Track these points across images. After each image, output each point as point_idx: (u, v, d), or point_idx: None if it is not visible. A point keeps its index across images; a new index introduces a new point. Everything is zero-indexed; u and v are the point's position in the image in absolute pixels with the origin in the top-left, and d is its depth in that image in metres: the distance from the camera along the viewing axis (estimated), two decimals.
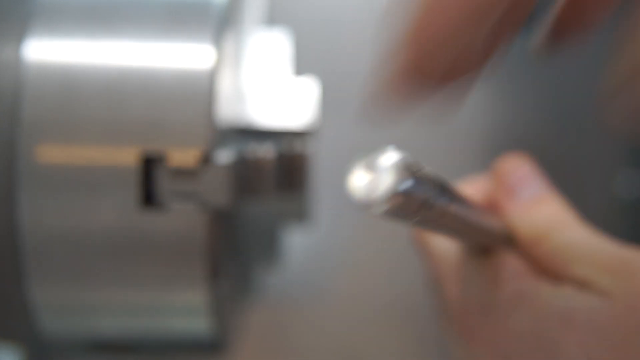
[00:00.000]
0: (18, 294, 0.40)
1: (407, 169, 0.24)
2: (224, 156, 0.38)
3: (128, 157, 0.38)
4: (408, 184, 0.24)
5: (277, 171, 0.43)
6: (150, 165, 0.38)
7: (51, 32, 0.39)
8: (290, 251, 0.67)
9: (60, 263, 0.39)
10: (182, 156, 0.37)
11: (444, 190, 0.28)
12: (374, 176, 0.24)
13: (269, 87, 0.48)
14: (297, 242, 0.70)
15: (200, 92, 0.38)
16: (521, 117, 0.71)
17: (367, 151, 0.25)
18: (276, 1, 0.66)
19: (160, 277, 0.39)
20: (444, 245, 0.36)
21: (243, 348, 0.68)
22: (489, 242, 0.34)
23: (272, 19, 0.62)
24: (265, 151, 0.41)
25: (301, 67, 0.57)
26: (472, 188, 0.39)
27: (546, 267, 0.34)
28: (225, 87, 0.42)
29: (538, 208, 0.35)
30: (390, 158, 0.24)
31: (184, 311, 0.41)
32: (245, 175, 0.41)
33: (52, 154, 0.38)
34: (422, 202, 0.26)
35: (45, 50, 0.39)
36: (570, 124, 0.71)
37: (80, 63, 0.38)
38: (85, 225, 0.38)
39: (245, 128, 0.47)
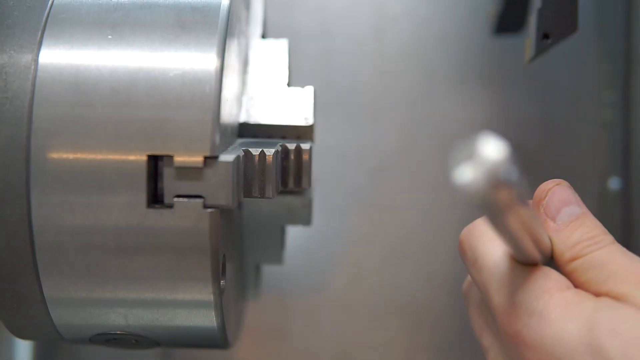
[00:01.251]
0: (34, 289, 0.41)
1: (509, 164, 0.26)
2: (228, 157, 0.39)
3: (136, 157, 0.39)
4: (507, 177, 0.26)
5: (279, 171, 0.44)
6: (157, 166, 0.39)
7: (64, 41, 0.40)
8: (290, 251, 0.67)
9: (71, 259, 0.40)
10: (188, 157, 0.38)
11: (523, 180, 0.30)
12: (480, 165, 0.26)
13: (269, 92, 0.48)
14: (297, 241, 0.71)
15: (205, 95, 0.39)
16: (518, 121, 0.71)
17: (461, 141, 0.26)
18: (275, 14, 0.67)
19: (166, 273, 0.40)
20: (493, 254, 0.39)
21: (243, 346, 0.69)
22: (537, 256, 0.36)
23: (271, 29, 0.63)
24: (268, 152, 0.42)
25: (297, 74, 0.58)
26: None
27: (583, 283, 0.37)
28: (228, 92, 0.42)
29: (575, 227, 0.38)
30: (495, 150, 0.26)
31: (190, 306, 0.41)
32: (249, 175, 0.42)
33: (63, 154, 0.39)
34: (513, 195, 0.27)
35: (58, 57, 0.40)
36: (568, 124, 0.71)
37: (91, 69, 0.39)
38: (94, 223, 0.39)
39: (248, 129, 0.47)
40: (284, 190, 0.45)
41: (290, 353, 0.70)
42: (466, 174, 0.26)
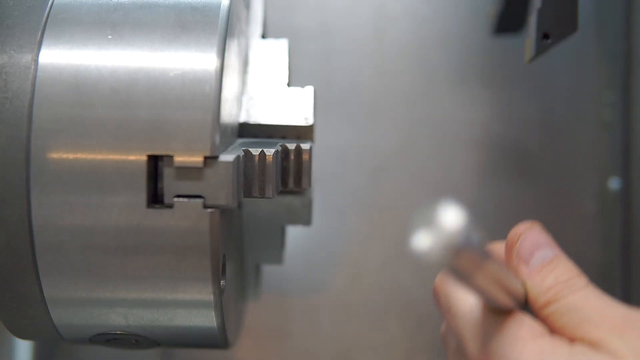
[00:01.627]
0: (34, 289, 0.41)
1: (467, 231, 0.26)
2: (228, 157, 0.39)
3: (136, 157, 0.39)
4: (466, 244, 0.26)
5: (279, 171, 0.44)
6: (157, 166, 0.39)
7: (64, 41, 0.40)
8: (290, 251, 0.67)
9: (71, 259, 0.40)
10: (188, 157, 0.38)
11: (488, 250, 0.30)
12: (438, 233, 0.26)
13: (269, 92, 0.48)
14: (297, 241, 0.71)
15: (205, 95, 0.39)
16: (518, 121, 0.71)
17: (425, 205, 0.27)
18: (275, 14, 0.67)
19: (167, 273, 0.40)
20: (467, 301, 0.38)
21: (243, 346, 0.69)
22: (509, 303, 0.36)
23: (271, 29, 0.63)
24: (268, 152, 0.42)
25: (297, 74, 0.58)
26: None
27: (558, 328, 0.36)
28: (228, 92, 0.42)
29: (548, 271, 0.38)
30: (453, 218, 0.26)
31: (190, 306, 0.41)
32: (249, 175, 0.42)
33: (63, 154, 0.39)
34: (474, 260, 0.28)
35: (58, 57, 0.40)
36: (568, 124, 0.71)
37: (91, 69, 0.39)
38: (94, 223, 0.39)
39: (248, 129, 0.47)
40: (284, 190, 0.45)
41: (290, 353, 0.70)
42: (425, 241, 0.26)
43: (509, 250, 0.39)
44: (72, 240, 0.39)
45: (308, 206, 0.52)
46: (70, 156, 0.39)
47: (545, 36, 0.51)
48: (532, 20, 0.51)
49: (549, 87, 0.71)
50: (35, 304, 0.41)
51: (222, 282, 0.41)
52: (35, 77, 0.39)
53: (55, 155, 0.39)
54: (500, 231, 0.70)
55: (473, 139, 0.71)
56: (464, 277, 0.30)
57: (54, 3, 0.41)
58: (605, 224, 0.71)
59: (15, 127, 0.39)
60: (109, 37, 0.40)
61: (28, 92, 0.39)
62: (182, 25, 0.40)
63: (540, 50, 0.51)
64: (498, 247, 0.41)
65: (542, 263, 0.38)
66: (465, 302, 0.38)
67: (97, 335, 0.44)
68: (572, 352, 0.34)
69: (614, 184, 0.70)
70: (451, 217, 0.26)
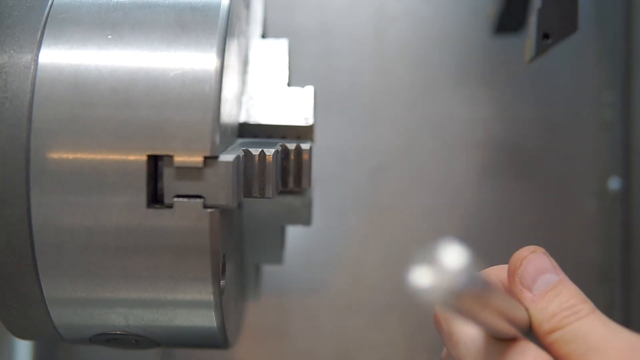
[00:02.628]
0: (34, 289, 0.40)
1: (468, 271, 0.26)
2: (228, 157, 0.39)
3: (136, 157, 0.38)
4: (467, 284, 0.26)
5: (279, 171, 0.44)
6: (157, 166, 0.39)
7: (64, 41, 0.40)
8: (290, 251, 0.67)
9: (71, 259, 0.40)
10: (188, 157, 0.38)
11: (488, 284, 0.30)
12: (440, 275, 0.25)
13: (269, 92, 0.48)
14: (297, 241, 0.71)
15: (205, 95, 0.39)
16: (518, 121, 0.71)
17: (427, 245, 0.26)
18: (275, 13, 0.67)
19: (166, 273, 0.40)
20: (469, 329, 0.37)
21: (243, 346, 0.69)
22: (512, 331, 0.36)
23: (271, 29, 0.63)
24: (268, 152, 0.42)
25: (297, 74, 0.58)
26: (491, 278, 0.41)
27: (564, 355, 0.35)
28: (228, 92, 0.42)
29: (552, 297, 0.37)
30: (454, 260, 0.26)
31: (190, 306, 0.41)
32: (249, 175, 0.42)
33: (63, 154, 0.39)
34: (476, 298, 0.27)
35: (58, 57, 0.40)
36: (568, 124, 0.71)
37: (91, 69, 0.39)
38: (94, 223, 0.39)
39: (248, 129, 0.47)
40: (284, 190, 0.45)
41: (290, 353, 0.70)
42: (426, 281, 0.26)
43: (511, 275, 0.38)
44: (72, 240, 0.39)
45: (308, 206, 0.52)
46: (70, 156, 0.39)
47: (546, 36, 0.50)
48: (532, 20, 0.51)
49: (549, 87, 0.71)
50: (35, 304, 0.41)
51: (222, 282, 0.41)
52: (35, 77, 0.39)
53: (55, 155, 0.39)
54: (501, 231, 0.70)
55: (473, 139, 0.71)
56: (467, 315, 0.29)
57: (54, 3, 0.41)
58: (605, 224, 0.70)
59: (15, 127, 0.39)
60: (109, 37, 0.40)
61: (28, 92, 0.39)
62: (182, 25, 0.40)
63: (540, 50, 0.51)
64: (499, 271, 0.40)
65: (546, 288, 0.37)
66: (467, 329, 0.37)
67: (97, 336, 0.44)
68: None
69: (613, 184, 0.70)
70: (453, 257, 0.26)
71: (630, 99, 0.69)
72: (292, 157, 0.44)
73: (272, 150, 0.42)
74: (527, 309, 0.37)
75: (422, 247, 0.26)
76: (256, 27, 0.53)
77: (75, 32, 0.40)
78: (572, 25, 0.50)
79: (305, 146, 0.44)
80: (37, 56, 0.40)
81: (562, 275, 0.38)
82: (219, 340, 0.44)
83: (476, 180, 0.71)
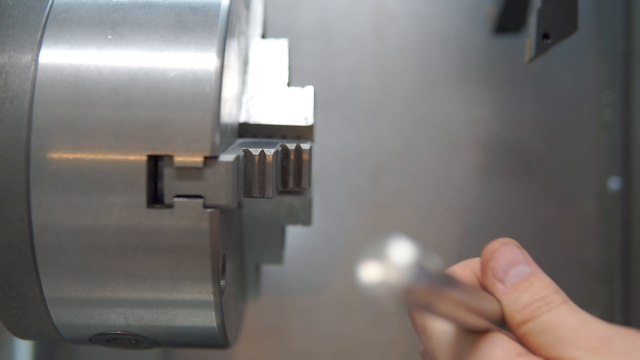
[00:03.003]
0: (34, 289, 0.41)
1: (419, 265, 0.25)
2: (228, 157, 0.39)
3: (136, 157, 0.38)
4: (419, 279, 0.25)
5: (279, 171, 0.44)
6: (157, 166, 0.39)
7: (64, 41, 0.40)
8: (290, 251, 0.67)
9: (71, 259, 0.40)
10: (188, 157, 0.38)
11: (448, 279, 0.29)
12: (387, 271, 0.25)
13: (269, 92, 0.48)
14: (297, 241, 0.71)
15: (205, 95, 0.39)
16: (519, 120, 0.71)
17: (376, 240, 0.25)
18: (275, 13, 0.67)
19: (167, 273, 0.40)
20: (440, 323, 0.37)
21: (243, 346, 0.69)
22: (484, 324, 0.35)
23: (271, 29, 0.63)
24: (268, 152, 0.42)
25: (297, 74, 0.58)
26: (464, 270, 0.41)
27: (536, 347, 0.35)
28: (228, 92, 0.42)
29: (524, 288, 0.37)
30: (402, 255, 0.25)
31: (190, 306, 0.41)
32: (249, 175, 0.42)
33: (63, 154, 0.39)
34: (431, 293, 0.27)
35: (58, 57, 0.40)
36: (568, 124, 0.71)
37: (91, 69, 0.39)
38: (94, 223, 0.39)
39: (248, 129, 0.47)
40: (284, 190, 0.45)
41: (290, 353, 0.70)
42: (375, 277, 0.25)
43: (483, 268, 0.38)
44: (72, 240, 0.39)
45: (308, 206, 0.52)
46: (70, 156, 0.39)
47: (546, 36, 0.50)
48: (533, 20, 0.51)
49: (549, 87, 0.71)
50: (35, 304, 0.41)
51: (222, 282, 0.41)
52: (35, 77, 0.39)
53: (55, 155, 0.39)
54: (500, 231, 0.70)
55: (473, 139, 0.71)
56: (424, 309, 0.29)
57: (54, 3, 0.41)
58: (605, 224, 0.70)
59: (15, 127, 0.39)
60: (109, 37, 0.40)
61: (28, 92, 0.39)
62: (182, 25, 0.40)
63: (540, 50, 0.51)
64: (474, 264, 0.40)
65: (518, 280, 0.37)
66: (440, 323, 0.37)
67: (97, 335, 0.44)
68: None
69: (613, 184, 0.70)
70: (400, 253, 0.25)
71: (630, 99, 0.69)
72: (292, 157, 0.44)
73: (272, 150, 0.42)
74: (499, 302, 0.37)
75: (371, 243, 0.25)
76: (256, 27, 0.53)
77: (76, 32, 0.40)
78: (572, 25, 0.50)
79: (305, 146, 0.44)
80: (37, 56, 0.39)
81: (535, 267, 0.38)
82: (218, 340, 0.44)
83: (476, 180, 0.71)
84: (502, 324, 0.37)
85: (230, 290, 0.45)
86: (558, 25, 0.50)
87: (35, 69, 0.39)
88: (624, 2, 0.70)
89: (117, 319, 0.42)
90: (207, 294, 0.40)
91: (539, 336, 0.35)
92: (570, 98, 0.71)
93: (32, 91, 0.39)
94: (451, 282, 0.30)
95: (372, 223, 0.70)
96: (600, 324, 0.35)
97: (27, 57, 0.40)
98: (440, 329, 0.37)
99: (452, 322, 0.34)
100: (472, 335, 0.36)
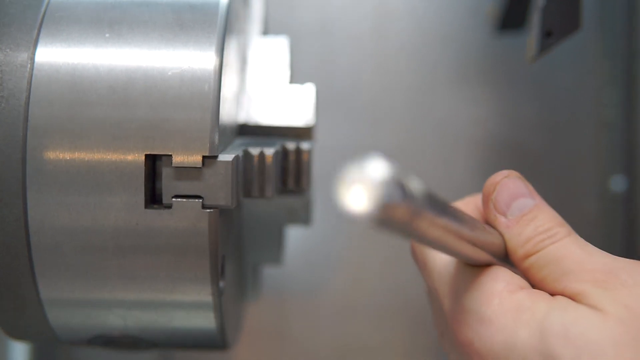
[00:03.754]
0: (25, 290, 0.40)
1: (395, 181, 0.24)
2: (227, 157, 0.39)
3: (134, 157, 0.38)
4: (397, 196, 0.24)
5: (279, 171, 0.44)
6: (155, 165, 0.39)
7: (61, 39, 0.40)
8: (290, 251, 0.67)
9: (68, 260, 0.39)
10: (187, 156, 0.38)
11: (435, 201, 0.28)
12: (362, 188, 0.24)
13: (269, 91, 0.48)
14: (297, 241, 0.70)
15: (204, 94, 0.38)
16: (520, 120, 0.71)
17: (355, 159, 0.25)
18: (275, 11, 0.66)
19: (165, 274, 0.40)
20: (441, 257, 0.37)
21: (242, 347, 0.69)
22: (484, 257, 0.34)
23: (271, 27, 0.63)
24: (267, 152, 0.41)
25: (297, 72, 0.57)
26: (467, 207, 0.40)
27: (539, 280, 0.35)
28: (228, 91, 0.42)
29: (527, 221, 0.36)
30: (377, 170, 0.24)
31: (189, 307, 0.41)
32: (248, 175, 0.42)
33: (60, 154, 0.38)
34: (412, 212, 0.25)
35: (55, 56, 0.39)
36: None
37: (88, 68, 0.39)
38: (92, 224, 0.39)
39: (248, 129, 0.47)
40: (283, 190, 0.45)
41: (290, 354, 0.70)
42: (351, 198, 0.24)
43: (485, 201, 0.37)
44: (69, 241, 0.39)
45: (308, 206, 0.51)
46: (67, 156, 0.38)
47: (548, 34, 0.50)
48: (535, 18, 0.51)
49: (551, 85, 0.70)
50: (32, 306, 0.41)
51: (221, 283, 0.41)
52: (31, 75, 0.39)
53: (52, 154, 0.38)
54: None
55: (474, 138, 0.70)
56: (406, 231, 0.27)
57: (51, 1, 0.41)
58: (607, 225, 0.70)
59: (11, 126, 0.38)
60: (107, 35, 0.40)
61: (24, 91, 0.39)
62: (181, 24, 0.40)
63: (543, 48, 0.50)
64: (477, 200, 0.39)
65: (521, 213, 0.36)
66: (440, 256, 0.36)
67: (95, 337, 0.44)
68: (550, 307, 0.33)
69: (616, 184, 0.70)
70: (377, 170, 0.24)
71: (633, 98, 0.69)
72: (292, 157, 0.44)
73: (272, 150, 0.41)
74: (502, 235, 0.36)
75: (346, 165, 0.24)
76: (256, 25, 0.52)
77: (73, 31, 0.40)
78: (575, 23, 0.50)
79: (305, 146, 0.44)
80: (34, 55, 0.39)
81: (538, 199, 0.37)
82: (218, 341, 0.44)
83: (477, 179, 0.70)
84: (506, 258, 0.36)
85: (229, 291, 0.45)
86: (561, 23, 0.50)
87: (32, 68, 0.39)
88: (626, 0, 0.70)
89: (115, 320, 0.42)
90: (206, 295, 0.40)
91: (543, 269, 0.34)
92: (572, 97, 0.70)
93: (29, 90, 0.39)
94: (440, 206, 0.28)
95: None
96: (606, 256, 0.34)
97: (24, 56, 0.39)
98: (441, 263, 0.36)
99: (447, 252, 0.33)
100: (473, 269, 0.35)
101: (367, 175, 0.24)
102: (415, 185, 0.26)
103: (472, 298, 0.34)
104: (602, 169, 0.70)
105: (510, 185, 0.37)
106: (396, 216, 0.25)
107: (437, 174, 0.70)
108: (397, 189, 0.24)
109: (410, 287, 0.69)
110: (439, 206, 0.29)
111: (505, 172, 0.38)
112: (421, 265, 0.38)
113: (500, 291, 0.34)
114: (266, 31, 0.56)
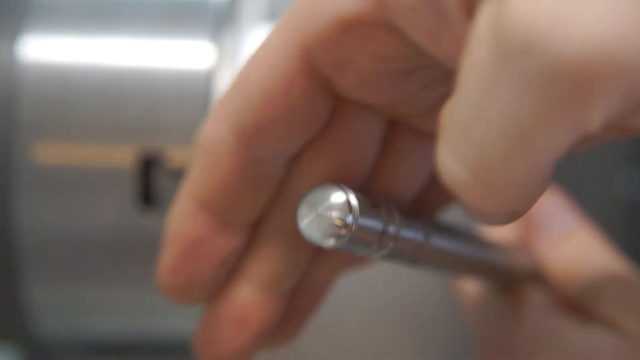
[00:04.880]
0: (14, 294, 0.40)
1: (348, 208, 0.24)
2: None
3: (126, 156, 0.38)
4: (349, 220, 0.24)
5: None
6: (148, 165, 0.38)
7: (47, 30, 0.39)
8: None
9: (58, 263, 0.39)
10: (181, 155, 0.37)
11: (423, 224, 0.27)
12: (318, 214, 0.24)
13: None
14: None
15: (198, 90, 0.38)
16: None
17: (313, 189, 0.25)
18: (275, 3, 0.66)
19: None
20: (472, 287, 0.36)
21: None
22: (509, 279, 0.33)
23: (273, 15, 0.62)
24: None
25: None
26: (504, 228, 0.39)
27: (577, 306, 0.33)
28: (224, 85, 0.42)
29: (569, 243, 0.35)
30: (332, 197, 0.24)
31: (183, 311, 0.40)
32: None
33: (49, 153, 0.38)
34: (378, 236, 0.25)
35: (42, 49, 0.38)
36: None
37: (77, 61, 0.38)
38: (83, 225, 0.38)
39: None
40: None
41: (290, 354, 0.69)
42: (313, 229, 0.24)
43: (524, 220, 0.36)
44: (59, 243, 0.38)
45: None
46: (57, 155, 0.38)
47: None
48: None
49: None
50: (21, 311, 0.40)
51: None
52: (17, 71, 0.38)
53: (40, 153, 0.38)
54: None
55: None
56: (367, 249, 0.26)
57: None
58: (611, 226, 0.70)
59: None
60: (98, 29, 0.39)
61: (10, 87, 0.38)
62: (177, 17, 0.39)
63: None
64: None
65: (562, 233, 0.35)
66: (471, 286, 0.35)
67: (87, 342, 0.43)
68: (583, 333, 0.31)
69: (621, 182, 0.70)
70: (332, 199, 0.24)
71: None
72: None
73: None
74: (541, 257, 0.35)
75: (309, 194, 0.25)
76: (255, 17, 0.52)
77: (62, 24, 0.39)
78: None
79: None
80: (20, 49, 0.38)
81: (580, 220, 0.35)
82: None
83: None
84: (540, 281, 0.35)
85: None
86: None
87: (18, 63, 0.38)
88: None
89: (108, 324, 0.42)
90: None
91: (581, 293, 0.33)
92: None
93: (15, 86, 0.38)
94: (435, 227, 0.28)
95: None
96: None
97: (8, 50, 0.38)
98: (472, 291, 0.35)
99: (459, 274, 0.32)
100: (501, 293, 0.34)
101: (322, 201, 0.24)
102: (376, 207, 0.25)
103: (497, 323, 0.33)
104: (609, 167, 0.70)
105: (549, 204, 0.36)
106: (357, 240, 0.25)
107: None
108: (349, 215, 0.24)
109: (411, 287, 0.69)
110: (431, 227, 0.28)
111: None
112: (458, 295, 0.37)
113: (528, 315, 0.32)
114: (267, 21, 0.56)
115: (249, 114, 0.24)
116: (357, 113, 0.25)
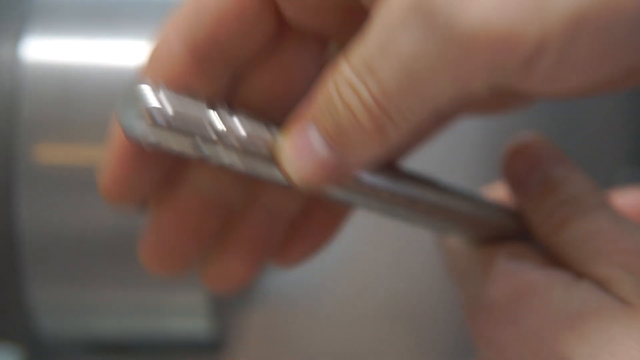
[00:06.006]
0: (15, 294, 0.40)
1: (156, 97, 0.25)
2: None
3: None
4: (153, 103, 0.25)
5: None
6: None
7: (49, 31, 0.39)
8: None
9: (59, 263, 0.39)
10: None
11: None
12: (131, 108, 0.25)
13: None
14: None
15: None
16: (521, 118, 0.70)
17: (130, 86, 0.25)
18: None
19: (159, 277, 0.39)
20: (454, 240, 0.33)
21: (243, 348, 0.68)
22: (491, 234, 0.31)
23: None
24: None
25: None
26: (499, 191, 0.36)
27: (565, 262, 0.29)
28: None
29: (555, 193, 0.31)
30: (143, 89, 0.25)
31: (183, 311, 0.41)
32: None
33: (50, 153, 0.38)
34: (198, 126, 0.25)
35: (44, 50, 0.39)
36: (570, 124, 0.70)
37: (79, 62, 0.38)
38: (83, 226, 0.38)
39: None
40: None
41: (289, 355, 0.69)
42: (129, 122, 0.25)
43: (505, 171, 0.33)
44: (59, 243, 0.38)
45: None
46: (58, 155, 0.38)
47: None
48: None
49: None
50: (22, 310, 0.40)
51: None
52: (19, 71, 0.38)
53: (42, 154, 0.38)
54: None
55: (474, 137, 0.70)
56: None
57: None
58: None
59: None
60: (99, 30, 0.39)
61: (12, 88, 0.38)
62: None
63: None
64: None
65: (546, 183, 0.31)
66: (455, 242, 0.33)
67: (87, 342, 0.43)
68: (569, 292, 0.27)
69: (621, 182, 0.70)
70: (147, 93, 0.25)
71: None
72: None
73: None
74: (525, 210, 0.31)
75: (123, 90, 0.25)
76: None
77: (63, 24, 0.39)
78: None
79: None
80: (22, 50, 0.38)
81: (566, 164, 0.32)
82: (217, 343, 0.45)
83: (477, 179, 0.70)
84: (524, 234, 0.31)
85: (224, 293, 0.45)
86: None
87: (20, 64, 0.38)
88: None
89: (109, 325, 0.42)
90: (201, 296, 0.40)
91: (570, 248, 0.29)
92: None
93: (17, 86, 0.38)
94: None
95: (373, 222, 0.70)
96: None
97: (10, 51, 0.39)
98: (455, 247, 0.33)
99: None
100: (478, 249, 0.31)
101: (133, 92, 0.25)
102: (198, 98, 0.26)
103: (473, 281, 0.31)
104: (610, 166, 0.70)
105: (531, 150, 0.33)
106: (174, 132, 0.25)
107: (436, 174, 0.70)
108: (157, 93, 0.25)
109: (412, 288, 0.69)
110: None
111: (526, 136, 0.33)
112: (442, 252, 0.35)
113: (505, 272, 0.29)
114: None
115: (201, 29, 0.26)
116: (299, 38, 0.28)
